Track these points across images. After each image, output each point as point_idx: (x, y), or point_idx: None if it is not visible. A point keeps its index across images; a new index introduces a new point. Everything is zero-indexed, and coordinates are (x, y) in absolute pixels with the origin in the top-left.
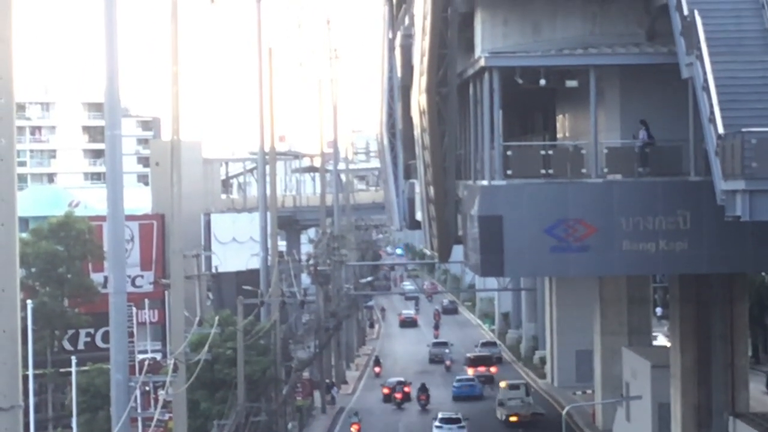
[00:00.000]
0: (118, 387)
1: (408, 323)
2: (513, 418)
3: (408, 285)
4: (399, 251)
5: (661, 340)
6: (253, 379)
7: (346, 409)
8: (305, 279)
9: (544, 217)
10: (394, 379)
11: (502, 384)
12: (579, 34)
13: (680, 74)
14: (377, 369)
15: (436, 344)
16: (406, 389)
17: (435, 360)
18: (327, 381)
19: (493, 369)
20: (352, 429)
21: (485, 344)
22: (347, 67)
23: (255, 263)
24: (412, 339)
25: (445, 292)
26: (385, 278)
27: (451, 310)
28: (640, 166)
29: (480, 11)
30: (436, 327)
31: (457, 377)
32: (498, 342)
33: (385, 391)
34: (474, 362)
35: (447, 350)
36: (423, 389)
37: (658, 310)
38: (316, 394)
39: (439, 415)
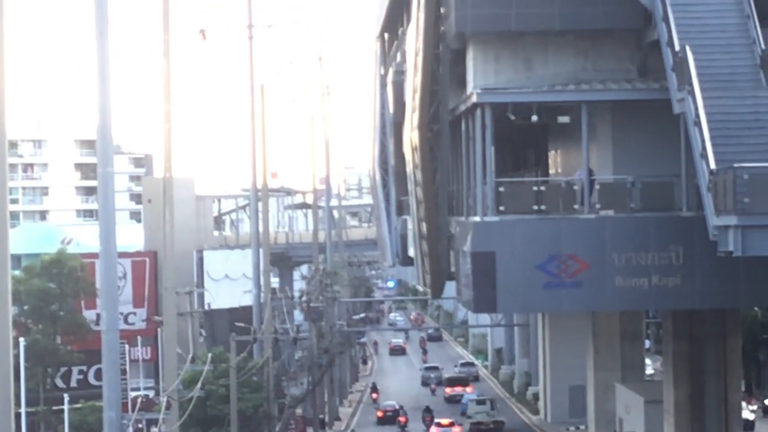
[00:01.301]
0: (110, 424)
1: (398, 351)
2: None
3: (396, 316)
4: (391, 284)
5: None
6: (246, 415)
7: None
8: (298, 315)
9: (536, 253)
10: (387, 403)
11: (471, 400)
12: (571, 70)
13: (672, 110)
14: (374, 395)
15: (427, 368)
16: (402, 419)
17: (427, 383)
18: (321, 417)
19: (468, 389)
20: None
21: (464, 364)
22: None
23: (248, 300)
24: (402, 365)
25: (436, 327)
26: (378, 311)
27: (436, 338)
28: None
29: (472, 48)
30: (425, 352)
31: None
32: (475, 362)
33: (379, 414)
34: (451, 382)
35: (439, 373)
36: (428, 410)
37: (647, 343)
38: (310, 431)
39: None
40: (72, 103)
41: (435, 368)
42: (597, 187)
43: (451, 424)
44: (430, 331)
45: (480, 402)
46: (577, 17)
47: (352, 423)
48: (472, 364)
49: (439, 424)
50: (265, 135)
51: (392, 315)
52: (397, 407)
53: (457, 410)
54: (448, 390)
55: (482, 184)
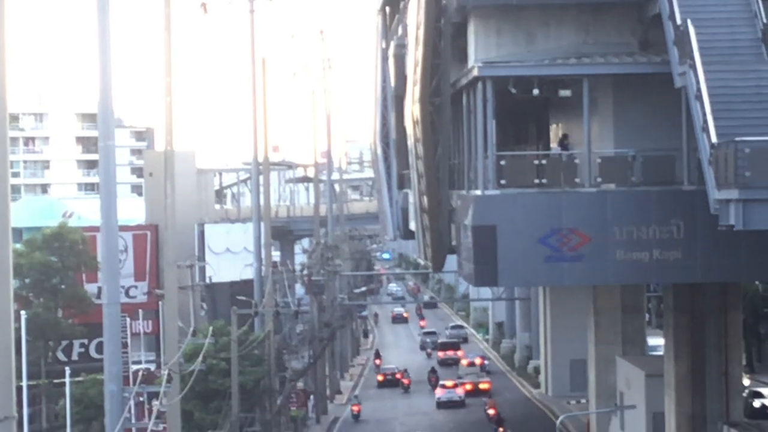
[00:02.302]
0: (111, 398)
1: (399, 319)
2: (468, 386)
3: (394, 287)
4: (386, 256)
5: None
6: (247, 389)
7: (340, 419)
8: (299, 289)
9: (537, 227)
10: (386, 367)
11: (463, 362)
12: (572, 44)
13: (673, 83)
14: (378, 361)
15: (426, 333)
16: (398, 375)
17: (424, 347)
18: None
19: (459, 352)
20: (353, 409)
21: (453, 327)
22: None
23: (249, 273)
24: (403, 334)
25: (432, 296)
26: (378, 281)
27: (432, 305)
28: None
29: (473, 21)
30: (421, 318)
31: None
32: (464, 324)
33: (380, 378)
34: (444, 346)
35: (436, 338)
36: (433, 371)
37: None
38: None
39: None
40: (73, 77)
41: (432, 333)
42: (598, 160)
43: (455, 386)
44: (425, 297)
45: (470, 365)
46: None
47: (358, 386)
48: (461, 327)
49: (444, 386)
50: (267, 108)
51: (391, 285)
52: (396, 371)
53: (450, 372)
54: (440, 354)
55: (483, 158)
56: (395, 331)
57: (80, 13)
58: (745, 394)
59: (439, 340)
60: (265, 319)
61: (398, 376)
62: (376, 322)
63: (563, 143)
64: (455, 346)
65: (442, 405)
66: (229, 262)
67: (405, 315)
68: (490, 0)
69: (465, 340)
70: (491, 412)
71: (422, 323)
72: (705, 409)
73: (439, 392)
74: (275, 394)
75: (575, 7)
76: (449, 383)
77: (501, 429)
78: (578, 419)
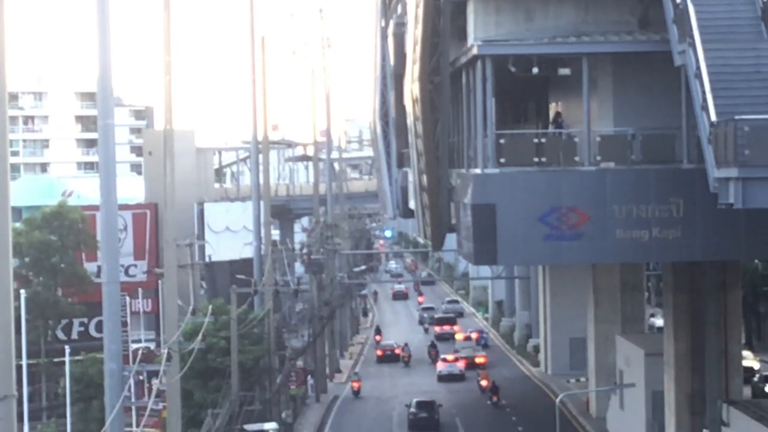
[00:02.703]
0: (111, 376)
1: (400, 295)
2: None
3: (393, 264)
4: (388, 233)
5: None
6: (247, 368)
7: (340, 397)
8: (299, 268)
9: (537, 206)
10: (385, 343)
11: (458, 336)
12: (571, 22)
13: (673, 62)
14: (378, 337)
15: (424, 309)
16: (396, 351)
17: (422, 322)
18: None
19: (456, 328)
20: (353, 386)
21: (449, 301)
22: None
23: (248, 252)
24: (403, 309)
25: (429, 273)
26: (377, 259)
27: (429, 282)
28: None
29: (472, 0)
30: (419, 294)
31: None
32: (459, 299)
33: (379, 353)
34: (440, 321)
35: (433, 313)
36: (433, 346)
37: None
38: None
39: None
40: (72, 56)
41: (430, 308)
42: (598, 139)
43: (456, 360)
44: (423, 275)
45: (466, 339)
46: None
47: (358, 364)
48: (456, 301)
49: (445, 360)
50: (266, 87)
51: (389, 263)
52: (395, 346)
53: (446, 347)
54: (437, 329)
55: (483, 137)
56: (395, 308)
57: None
58: (756, 378)
59: (436, 316)
60: (265, 297)
61: (397, 351)
62: (376, 300)
63: (557, 121)
64: (451, 321)
65: (442, 378)
66: (228, 240)
67: (405, 291)
68: None
69: (461, 314)
70: (484, 383)
71: (420, 299)
72: (704, 388)
73: (440, 366)
74: (275, 372)
75: None
76: (450, 357)
77: (495, 397)
78: (578, 397)
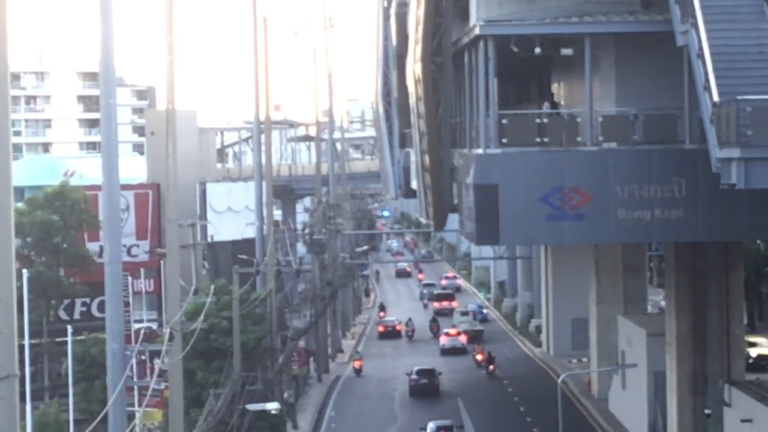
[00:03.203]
0: (114, 356)
1: (402, 273)
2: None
3: (393, 243)
4: (386, 213)
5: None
6: (249, 348)
7: (342, 378)
8: (301, 248)
9: (539, 186)
10: (387, 319)
11: (456, 312)
12: (574, 2)
13: (675, 42)
14: (382, 314)
15: (425, 285)
16: (398, 327)
17: (422, 298)
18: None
19: (454, 303)
20: (354, 365)
21: (447, 277)
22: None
23: (250, 232)
24: (404, 288)
25: (429, 251)
26: (378, 238)
27: (428, 258)
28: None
29: None
30: (420, 271)
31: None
32: (456, 275)
33: (381, 329)
34: (439, 297)
35: (434, 290)
36: (434, 320)
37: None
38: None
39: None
40: (74, 35)
41: (431, 285)
42: (600, 119)
43: (458, 334)
44: (423, 252)
45: (464, 314)
46: None
47: (360, 343)
48: (455, 277)
49: (447, 334)
50: (268, 67)
51: (390, 241)
52: (396, 323)
53: (445, 322)
54: (436, 305)
55: (485, 117)
56: (397, 286)
57: None
58: None
59: (435, 292)
60: (267, 278)
61: (398, 327)
62: (378, 279)
63: (552, 101)
64: (450, 297)
65: (445, 352)
66: (230, 220)
67: (408, 269)
68: None
69: (458, 289)
70: (479, 357)
71: (420, 276)
72: (706, 368)
73: (443, 340)
74: (277, 353)
75: None
76: (452, 331)
77: (492, 366)
78: (579, 378)
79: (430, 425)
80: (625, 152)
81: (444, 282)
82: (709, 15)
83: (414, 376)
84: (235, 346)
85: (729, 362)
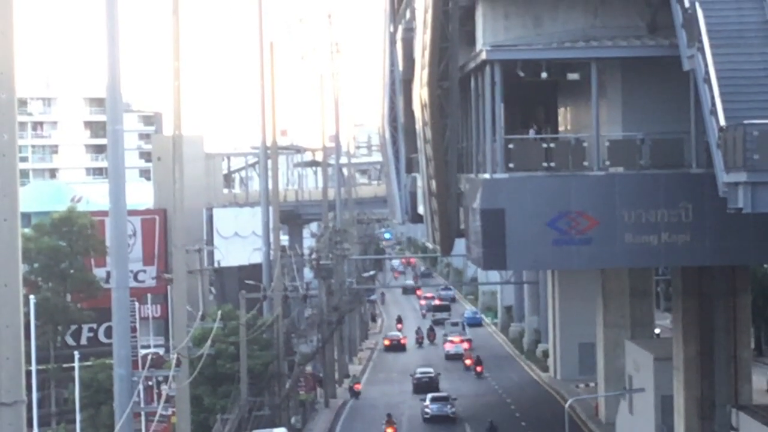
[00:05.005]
0: (121, 382)
1: (408, 290)
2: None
3: (396, 262)
4: (387, 235)
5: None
6: (256, 373)
7: (349, 403)
8: (308, 273)
9: (546, 210)
10: (391, 334)
11: (448, 323)
12: (580, 27)
13: (682, 66)
14: (399, 326)
15: (425, 298)
16: (402, 341)
17: (422, 309)
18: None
19: (449, 314)
20: (355, 388)
21: (444, 289)
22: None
23: (257, 258)
24: (407, 304)
25: (427, 268)
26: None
27: (427, 275)
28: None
29: (481, 4)
30: (418, 288)
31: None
32: (452, 287)
33: (386, 342)
34: (436, 308)
35: (432, 302)
36: (431, 329)
37: None
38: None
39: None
40: (81, 61)
41: (431, 297)
42: (607, 144)
43: (462, 341)
44: (422, 269)
45: (454, 324)
46: None
47: (362, 380)
48: (449, 288)
49: (452, 342)
50: (275, 93)
51: (393, 261)
52: (401, 337)
53: (441, 330)
54: (433, 315)
55: (492, 141)
56: (402, 301)
57: None
58: None
59: (433, 303)
60: (274, 303)
61: (403, 341)
62: (383, 301)
63: (538, 126)
64: (446, 308)
65: (449, 357)
66: (237, 246)
67: (414, 287)
68: None
69: (453, 299)
70: (468, 362)
71: (419, 292)
72: (713, 392)
73: (447, 347)
74: (284, 378)
75: None
76: (456, 339)
77: (479, 368)
78: (587, 402)
79: None
80: (631, 176)
81: (438, 300)
82: (715, 39)
83: (418, 375)
84: (242, 372)
85: (736, 386)
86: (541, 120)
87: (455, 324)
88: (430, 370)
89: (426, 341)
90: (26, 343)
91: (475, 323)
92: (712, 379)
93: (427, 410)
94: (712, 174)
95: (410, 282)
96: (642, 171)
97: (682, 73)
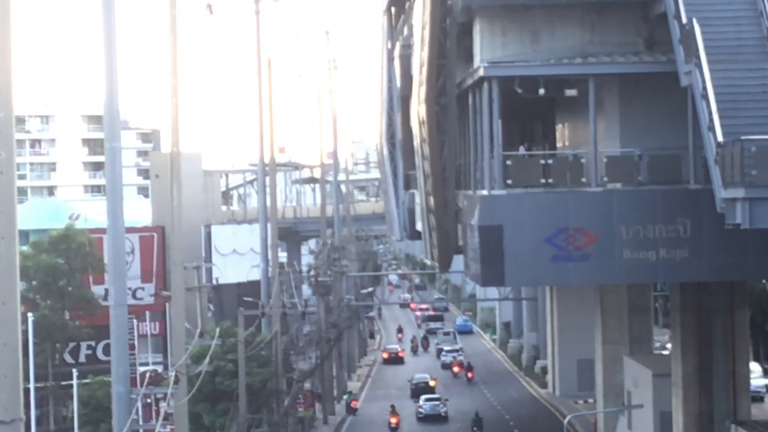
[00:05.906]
0: (119, 399)
1: (406, 305)
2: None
3: (393, 277)
4: (381, 247)
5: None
6: (255, 390)
7: (348, 420)
8: (306, 290)
9: (544, 227)
10: (390, 347)
11: (440, 332)
12: (578, 43)
13: (679, 82)
14: (400, 335)
15: (420, 309)
16: (401, 354)
17: (416, 319)
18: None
19: (440, 323)
20: (352, 405)
21: (437, 299)
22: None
23: (256, 274)
24: (404, 317)
25: (421, 280)
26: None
27: (422, 287)
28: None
29: (479, 21)
30: (412, 300)
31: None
32: (443, 297)
33: (385, 355)
34: (430, 318)
35: (426, 312)
36: (425, 338)
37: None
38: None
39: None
40: (79, 79)
41: (426, 309)
42: (604, 160)
43: (455, 350)
44: (416, 281)
45: (446, 333)
46: None
47: (360, 397)
48: (442, 299)
49: (449, 351)
50: (273, 109)
51: (390, 276)
52: (399, 350)
53: (432, 339)
54: (427, 324)
55: (489, 158)
56: (397, 317)
57: (86, 15)
58: None
59: (427, 314)
60: (272, 320)
61: (401, 354)
62: (380, 315)
63: (529, 144)
64: (439, 318)
65: (446, 366)
66: (235, 263)
67: (410, 301)
68: (496, 0)
69: (446, 309)
70: (456, 369)
71: (413, 305)
72: (712, 408)
73: (444, 357)
74: (282, 395)
75: (581, 7)
76: (449, 348)
77: (470, 373)
78: (586, 419)
79: None
80: (629, 193)
81: (432, 311)
82: (712, 55)
83: (415, 381)
84: (240, 389)
85: (735, 402)
86: (538, 137)
87: (447, 333)
88: (426, 376)
89: (420, 349)
90: (24, 360)
91: (465, 330)
92: (710, 394)
93: (420, 410)
94: (710, 190)
95: (406, 295)
96: (640, 187)
97: (680, 89)
